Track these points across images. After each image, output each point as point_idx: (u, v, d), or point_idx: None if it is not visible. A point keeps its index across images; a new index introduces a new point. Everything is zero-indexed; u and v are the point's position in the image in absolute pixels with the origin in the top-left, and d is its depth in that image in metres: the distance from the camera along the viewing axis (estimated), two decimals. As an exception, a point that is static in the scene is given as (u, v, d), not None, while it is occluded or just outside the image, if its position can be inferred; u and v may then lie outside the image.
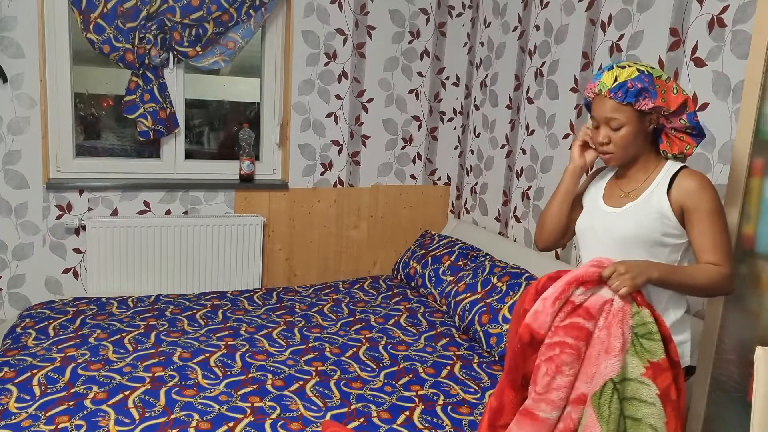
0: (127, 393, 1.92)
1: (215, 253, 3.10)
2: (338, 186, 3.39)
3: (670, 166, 1.55)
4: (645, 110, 1.49)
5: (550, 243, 1.77)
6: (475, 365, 2.30)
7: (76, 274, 2.96)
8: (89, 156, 3.13)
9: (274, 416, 1.85)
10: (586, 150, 1.69)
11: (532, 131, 2.98)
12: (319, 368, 2.19)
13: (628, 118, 1.50)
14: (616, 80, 1.49)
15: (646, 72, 1.50)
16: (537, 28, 2.94)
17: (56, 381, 1.96)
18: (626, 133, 1.51)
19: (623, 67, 1.51)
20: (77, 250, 2.94)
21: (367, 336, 2.50)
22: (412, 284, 3.13)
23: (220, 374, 2.09)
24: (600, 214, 1.63)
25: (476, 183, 3.45)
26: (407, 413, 1.92)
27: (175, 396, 1.92)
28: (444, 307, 2.82)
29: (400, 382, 2.12)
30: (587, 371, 1.36)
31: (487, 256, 2.90)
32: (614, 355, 1.33)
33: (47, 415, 1.78)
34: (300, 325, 2.57)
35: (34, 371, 2.01)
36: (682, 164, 1.56)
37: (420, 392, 2.06)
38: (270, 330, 2.49)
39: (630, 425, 1.32)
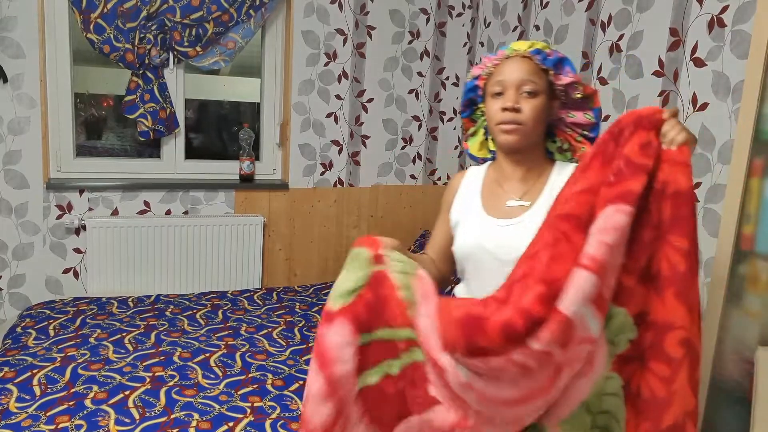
0: (127, 393, 1.92)
1: (215, 253, 3.10)
2: (338, 186, 3.39)
3: (562, 166, 1.39)
4: (557, 87, 1.33)
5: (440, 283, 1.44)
6: (475, 365, 2.30)
7: (76, 274, 2.96)
8: (89, 156, 3.13)
9: (274, 416, 1.85)
10: None
11: (532, 131, 2.98)
12: (319, 368, 2.19)
13: (543, 87, 1.32)
14: (531, 46, 1.34)
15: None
16: (537, 28, 2.94)
17: (56, 381, 1.96)
18: (539, 104, 1.31)
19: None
20: (77, 250, 2.94)
21: (367, 336, 2.50)
22: (412, 284, 3.13)
23: (220, 374, 2.09)
24: (489, 228, 1.35)
25: (476, 183, 3.45)
26: (407, 413, 1.92)
27: (175, 396, 1.92)
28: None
29: (400, 382, 2.12)
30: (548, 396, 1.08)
31: (487, 256, 2.90)
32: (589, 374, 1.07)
33: (47, 414, 1.78)
34: (300, 325, 2.57)
35: (34, 371, 2.01)
36: (572, 162, 1.41)
37: (420, 392, 2.06)
38: (270, 330, 2.49)
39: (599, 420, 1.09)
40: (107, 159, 3.16)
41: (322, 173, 3.34)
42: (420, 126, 3.52)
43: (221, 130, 3.71)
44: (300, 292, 3.02)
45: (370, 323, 1.16)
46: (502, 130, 1.33)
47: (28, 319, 2.46)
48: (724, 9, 2.01)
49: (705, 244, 2.09)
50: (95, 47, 2.78)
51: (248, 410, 1.87)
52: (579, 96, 1.34)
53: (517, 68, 1.32)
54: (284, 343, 2.38)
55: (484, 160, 1.53)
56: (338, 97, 3.30)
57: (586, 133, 1.37)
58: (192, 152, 3.27)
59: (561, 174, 1.36)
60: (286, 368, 2.17)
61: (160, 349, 2.23)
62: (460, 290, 1.46)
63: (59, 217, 2.88)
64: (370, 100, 3.37)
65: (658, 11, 2.26)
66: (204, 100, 3.64)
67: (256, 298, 2.88)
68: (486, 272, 1.34)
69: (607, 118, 2.51)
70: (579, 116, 1.35)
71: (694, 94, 2.12)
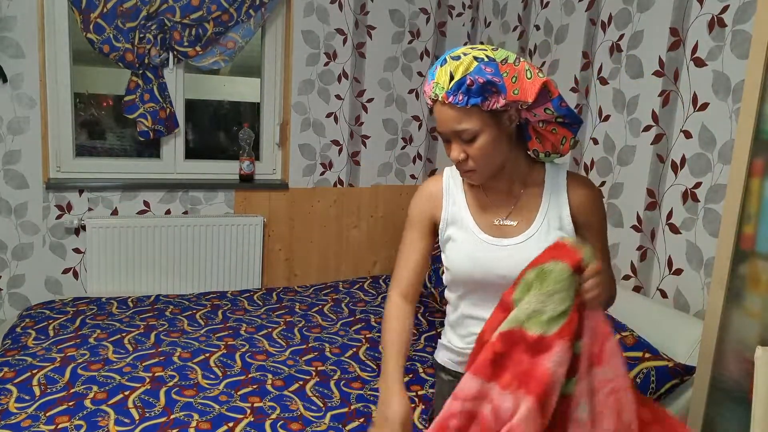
0: (127, 393, 1.92)
1: (215, 253, 3.10)
2: (338, 186, 3.39)
3: (554, 172, 1.28)
4: (497, 109, 1.15)
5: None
6: (475, 365, 2.30)
7: (76, 274, 2.95)
8: (89, 156, 3.13)
9: (274, 416, 1.85)
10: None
11: (532, 131, 2.98)
12: (319, 368, 2.19)
13: (481, 123, 1.15)
14: (452, 78, 1.14)
15: (486, 59, 1.14)
16: (537, 28, 2.94)
17: (56, 381, 1.96)
18: (484, 143, 1.16)
19: (458, 58, 1.14)
20: (77, 250, 2.93)
21: (367, 336, 2.50)
22: (412, 284, 3.13)
23: (220, 374, 2.09)
24: (487, 248, 1.25)
25: (476, 183, 3.44)
26: (407, 413, 1.92)
27: (175, 396, 1.92)
28: (444, 307, 2.82)
29: (400, 382, 2.12)
30: None
31: (487, 256, 2.90)
32: None
33: (47, 415, 1.77)
34: (300, 325, 2.57)
35: (34, 371, 2.01)
36: (562, 165, 1.30)
37: (420, 392, 2.06)
38: (270, 330, 2.49)
39: None
40: (107, 159, 3.16)
41: (322, 173, 3.34)
42: (420, 126, 3.52)
43: (221, 130, 3.71)
44: (300, 292, 3.02)
45: (579, 333, 1.11)
46: (463, 176, 1.26)
47: (27, 320, 2.46)
48: (725, 9, 2.00)
49: (705, 244, 2.09)
50: (95, 47, 2.78)
51: (248, 410, 1.87)
52: (525, 107, 1.17)
53: (445, 119, 1.17)
54: (284, 344, 2.38)
55: None
56: (338, 97, 3.30)
57: (561, 120, 1.20)
58: (192, 152, 3.27)
59: (555, 181, 1.26)
60: (286, 368, 2.17)
61: (159, 350, 2.23)
62: (451, 314, 1.37)
63: (59, 217, 2.88)
64: (370, 100, 3.37)
65: (659, 11, 2.26)
66: (204, 100, 3.63)
67: (256, 298, 2.88)
68: (483, 293, 1.26)
69: (607, 118, 2.51)
70: (541, 113, 1.18)
71: (695, 94, 2.12)
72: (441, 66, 1.16)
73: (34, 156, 2.79)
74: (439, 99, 1.15)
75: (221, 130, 3.68)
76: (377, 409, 1.24)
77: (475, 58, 1.14)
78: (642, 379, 1.81)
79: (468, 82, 1.11)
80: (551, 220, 1.23)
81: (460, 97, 1.13)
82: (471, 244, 1.27)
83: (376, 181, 3.47)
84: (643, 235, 2.35)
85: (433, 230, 1.35)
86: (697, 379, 1.67)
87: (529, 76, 1.15)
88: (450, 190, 1.32)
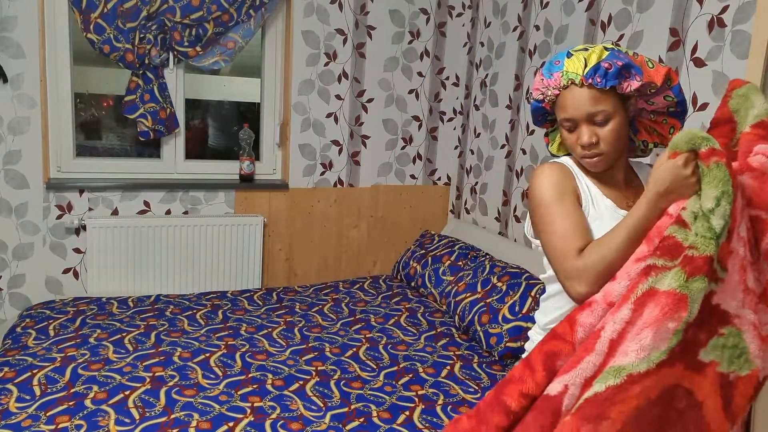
0: (127, 393, 1.92)
1: (215, 253, 3.10)
2: (338, 186, 3.39)
3: (637, 165, 1.44)
4: (629, 93, 1.24)
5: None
6: (475, 365, 2.30)
7: (76, 274, 2.96)
8: (89, 156, 3.13)
9: (274, 416, 1.85)
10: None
11: (532, 131, 2.98)
12: (319, 368, 2.19)
13: (614, 106, 1.23)
14: (586, 65, 1.22)
15: (615, 49, 1.25)
16: (537, 28, 2.94)
17: (56, 381, 1.96)
18: (616, 126, 1.24)
19: (585, 50, 1.25)
20: (77, 250, 2.94)
21: (367, 336, 2.50)
22: (412, 284, 3.13)
23: (220, 374, 2.09)
24: None
25: (476, 183, 3.45)
26: (407, 413, 1.92)
27: (175, 396, 1.92)
28: (444, 307, 2.82)
29: (400, 382, 2.12)
30: None
31: (487, 256, 2.90)
32: None
33: (47, 415, 1.78)
34: (300, 325, 2.57)
35: (34, 371, 2.01)
36: (641, 161, 1.45)
37: (420, 392, 2.06)
38: (270, 330, 2.50)
39: None
40: (107, 159, 3.16)
41: (322, 173, 3.34)
42: (420, 126, 3.52)
43: (221, 130, 3.71)
44: (300, 292, 3.02)
45: None
46: (585, 162, 1.31)
47: (28, 319, 2.46)
48: (724, 9, 2.01)
49: (705, 244, 2.08)
50: (95, 47, 2.78)
51: (248, 410, 1.87)
52: (653, 90, 1.26)
53: (579, 102, 1.23)
54: (284, 343, 2.38)
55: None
56: (338, 97, 3.30)
57: (672, 109, 1.31)
58: (192, 152, 3.27)
59: (642, 170, 1.42)
60: (286, 368, 2.17)
61: (160, 349, 2.23)
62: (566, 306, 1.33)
63: (59, 217, 2.88)
64: (370, 100, 3.37)
65: (658, 11, 2.26)
66: (204, 100, 3.64)
67: (256, 298, 2.88)
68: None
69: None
70: (659, 101, 1.28)
71: (694, 94, 2.12)
72: (568, 58, 1.25)
73: (34, 156, 2.79)
74: (576, 82, 1.22)
75: (221, 130, 3.68)
76: (661, 195, 1.11)
77: (605, 48, 1.24)
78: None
79: (605, 65, 1.20)
80: None
81: (598, 80, 1.20)
82: (612, 221, 1.25)
83: (376, 181, 3.48)
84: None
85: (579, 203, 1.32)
86: (697, 378, 1.67)
87: (651, 65, 1.25)
88: (577, 173, 1.36)
